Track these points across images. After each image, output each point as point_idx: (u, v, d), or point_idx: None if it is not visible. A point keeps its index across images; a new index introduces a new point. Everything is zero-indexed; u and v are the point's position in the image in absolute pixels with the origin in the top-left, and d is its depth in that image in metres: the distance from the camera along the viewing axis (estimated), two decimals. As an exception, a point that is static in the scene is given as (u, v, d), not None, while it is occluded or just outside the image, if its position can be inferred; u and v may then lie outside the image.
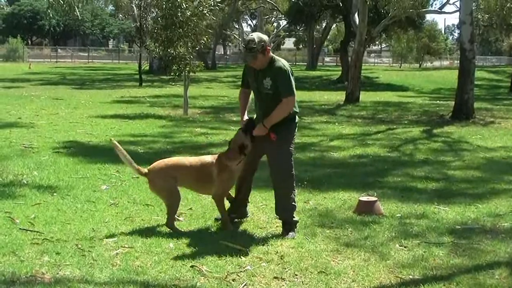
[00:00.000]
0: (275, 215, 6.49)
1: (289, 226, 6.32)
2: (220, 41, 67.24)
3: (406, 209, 7.44)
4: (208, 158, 6.48)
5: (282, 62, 6.22)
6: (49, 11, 18.86)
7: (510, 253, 5.82)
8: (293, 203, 6.38)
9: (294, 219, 6.37)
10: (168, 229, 6.28)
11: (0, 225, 6.29)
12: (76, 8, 16.33)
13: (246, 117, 6.52)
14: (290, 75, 6.15)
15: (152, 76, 38.22)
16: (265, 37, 6.25)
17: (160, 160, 6.60)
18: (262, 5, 57.08)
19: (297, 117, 6.44)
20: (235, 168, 6.37)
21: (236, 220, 6.66)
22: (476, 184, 9.25)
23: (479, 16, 33.87)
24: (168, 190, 6.35)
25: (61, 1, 15.61)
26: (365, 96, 26.19)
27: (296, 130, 6.51)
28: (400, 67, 65.92)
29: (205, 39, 18.66)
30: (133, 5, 40.98)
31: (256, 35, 6.22)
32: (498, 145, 13.29)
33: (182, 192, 7.96)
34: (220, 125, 15.64)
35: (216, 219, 6.66)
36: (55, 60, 63.74)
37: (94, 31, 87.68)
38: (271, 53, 6.24)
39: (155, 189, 6.46)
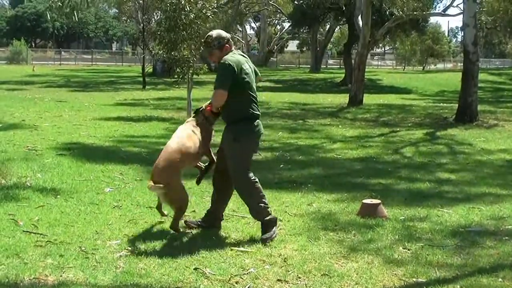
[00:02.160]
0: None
1: (265, 226, 6.22)
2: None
3: (409, 212, 7.44)
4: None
5: (228, 56, 6.22)
6: (48, 13, 18.81)
7: (514, 256, 5.82)
8: (260, 204, 6.26)
9: (266, 218, 6.23)
10: (172, 232, 6.29)
11: (3, 227, 6.30)
12: (76, 12, 16.31)
13: None
14: (227, 69, 6.10)
15: (155, 78, 38.21)
16: (224, 35, 6.36)
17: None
18: (265, 7, 57.13)
19: (258, 121, 6.33)
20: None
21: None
22: (480, 187, 9.24)
23: (482, 18, 33.84)
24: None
25: (61, 4, 15.59)
26: (369, 99, 26.17)
27: (256, 136, 6.39)
28: (403, 70, 65.89)
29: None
30: (136, 8, 41.05)
31: (215, 32, 6.40)
32: (501, 148, 13.27)
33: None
34: (224, 127, 15.59)
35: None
36: (59, 62, 63.74)
37: (98, 34, 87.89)
38: (232, 50, 6.31)
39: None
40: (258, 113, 6.34)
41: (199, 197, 7.96)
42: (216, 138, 6.79)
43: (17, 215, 6.76)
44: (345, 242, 6.17)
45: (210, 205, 6.64)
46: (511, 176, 10.12)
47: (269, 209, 6.34)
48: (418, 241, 6.24)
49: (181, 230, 6.41)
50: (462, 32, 21.19)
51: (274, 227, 6.24)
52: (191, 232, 6.38)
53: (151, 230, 6.41)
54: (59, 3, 15.45)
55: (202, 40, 6.44)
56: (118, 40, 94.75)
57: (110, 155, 11.11)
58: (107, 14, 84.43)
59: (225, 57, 6.21)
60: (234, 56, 6.23)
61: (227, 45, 6.29)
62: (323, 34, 61.17)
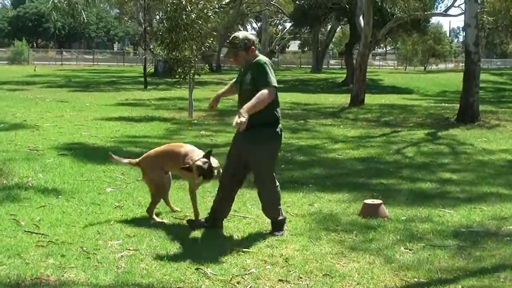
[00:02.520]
0: (263, 212, 6.56)
1: (277, 225, 6.39)
2: (225, 44, 67.31)
3: (411, 212, 7.43)
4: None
5: (261, 57, 6.23)
6: (53, 12, 18.82)
7: (516, 256, 5.81)
8: (278, 206, 6.39)
9: (279, 219, 6.39)
10: (173, 232, 6.30)
11: (5, 228, 6.31)
12: (82, 12, 16.31)
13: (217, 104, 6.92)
14: (270, 67, 6.14)
15: (157, 79, 38.25)
16: (251, 37, 6.31)
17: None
18: (266, 8, 57.09)
19: (280, 126, 6.29)
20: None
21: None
22: (481, 187, 9.23)
23: (484, 18, 33.82)
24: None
25: (64, 4, 15.59)
26: (370, 99, 26.17)
27: (281, 140, 6.37)
28: (405, 70, 65.86)
29: (210, 41, 18.67)
30: (138, 8, 41.11)
31: (241, 33, 6.33)
32: (503, 148, 13.26)
33: (187, 194, 7.99)
34: (225, 128, 15.61)
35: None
36: (60, 62, 63.85)
37: (99, 34, 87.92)
38: (257, 53, 6.26)
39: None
40: (280, 117, 6.35)
41: (201, 197, 7.96)
42: (219, 138, 6.78)
43: (19, 215, 6.76)
44: (346, 242, 6.17)
45: (212, 204, 6.63)
46: (512, 176, 10.12)
47: (281, 209, 6.46)
48: (419, 241, 6.23)
49: (156, 219, 6.77)
50: (464, 33, 21.13)
51: (285, 226, 6.45)
52: (192, 233, 6.38)
53: (152, 230, 6.40)
54: (64, 4, 15.45)
55: (227, 41, 6.30)
56: (120, 40, 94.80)
57: (112, 155, 11.10)
58: (109, 14, 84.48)
59: (261, 57, 6.20)
60: (266, 58, 6.24)
61: (253, 47, 6.23)
62: (324, 34, 61.18)
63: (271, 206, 6.40)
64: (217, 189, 6.63)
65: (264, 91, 5.97)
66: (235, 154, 6.41)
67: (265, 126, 6.13)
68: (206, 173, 6.39)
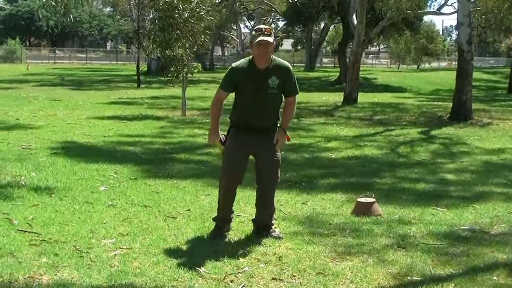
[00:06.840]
0: (260, 222, 6.27)
1: (269, 228, 6.23)
2: (218, 42, 67.26)
3: (404, 211, 7.44)
4: None
5: (284, 61, 6.19)
6: (41, 11, 18.70)
7: (508, 254, 5.82)
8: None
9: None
10: (166, 230, 6.28)
11: (-2, 227, 6.29)
12: (70, 11, 16.20)
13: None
14: None
15: (150, 77, 38.19)
16: None
17: None
18: (260, 6, 57.05)
19: None
20: None
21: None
22: (474, 185, 9.26)
23: (477, 17, 33.89)
24: None
25: (53, 2, 15.47)
26: (363, 97, 26.20)
27: None
28: (398, 68, 65.94)
29: (202, 40, 18.66)
30: (131, 7, 41.06)
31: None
32: (496, 146, 13.30)
33: (180, 193, 8.00)
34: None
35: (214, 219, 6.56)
36: (53, 61, 63.68)
37: (92, 32, 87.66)
38: None
39: None
40: None
41: (194, 195, 7.96)
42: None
43: (12, 214, 6.74)
44: (339, 240, 6.17)
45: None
46: (505, 174, 10.14)
47: None
48: (412, 239, 6.24)
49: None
50: (457, 31, 21.16)
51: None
52: (186, 231, 6.37)
53: (145, 228, 6.39)
54: (53, 2, 15.33)
55: (259, 31, 5.75)
56: (113, 38, 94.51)
57: (105, 154, 11.09)
58: (102, 13, 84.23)
59: (285, 62, 6.17)
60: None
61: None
62: (317, 33, 61.22)
63: (273, 209, 6.33)
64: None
65: (294, 101, 6.25)
66: (244, 155, 6.17)
67: (276, 125, 6.33)
68: None
